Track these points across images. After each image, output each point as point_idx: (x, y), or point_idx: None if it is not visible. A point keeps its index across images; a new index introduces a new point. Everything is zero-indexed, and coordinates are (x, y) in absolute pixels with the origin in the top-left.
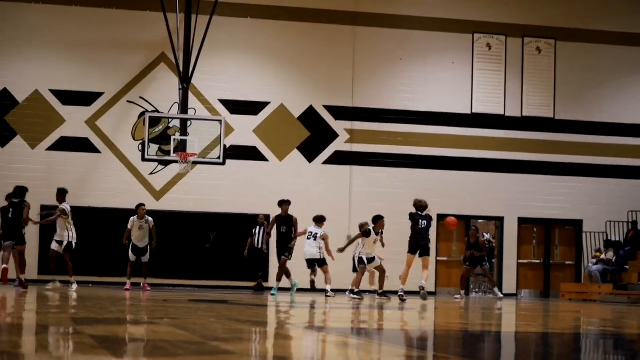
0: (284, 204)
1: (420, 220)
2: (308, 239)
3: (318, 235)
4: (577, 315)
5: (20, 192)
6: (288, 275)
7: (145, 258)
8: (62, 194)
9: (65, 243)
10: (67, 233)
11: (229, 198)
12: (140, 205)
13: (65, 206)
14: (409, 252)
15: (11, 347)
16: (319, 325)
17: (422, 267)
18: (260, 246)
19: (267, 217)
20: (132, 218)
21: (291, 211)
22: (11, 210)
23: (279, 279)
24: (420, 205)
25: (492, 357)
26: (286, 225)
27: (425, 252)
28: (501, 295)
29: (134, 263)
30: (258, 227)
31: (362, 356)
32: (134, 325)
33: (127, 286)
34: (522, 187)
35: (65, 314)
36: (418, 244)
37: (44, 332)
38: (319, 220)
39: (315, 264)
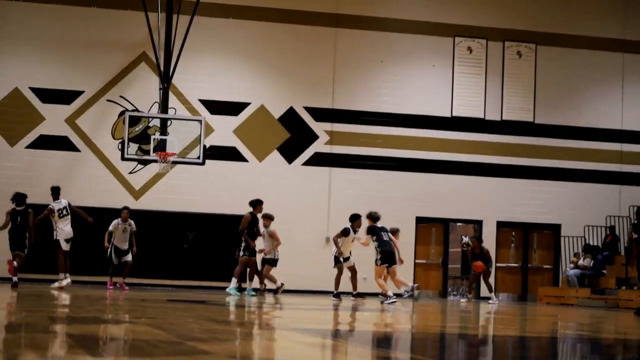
0: (261, 203)
1: (383, 233)
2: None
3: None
4: (554, 319)
5: (21, 199)
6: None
7: (128, 257)
8: (53, 192)
9: (54, 240)
10: (54, 232)
11: (208, 198)
12: (125, 208)
13: (52, 205)
14: (381, 264)
15: None
16: (295, 326)
17: (392, 278)
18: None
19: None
20: (115, 221)
21: (271, 212)
22: (19, 218)
23: (252, 279)
24: (377, 217)
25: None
26: (257, 225)
27: (394, 260)
28: (495, 301)
29: (115, 265)
30: None
31: (335, 356)
32: (111, 325)
33: (110, 285)
34: (501, 191)
35: (42, 313)
36: (388, 255)
37: (20, 331)
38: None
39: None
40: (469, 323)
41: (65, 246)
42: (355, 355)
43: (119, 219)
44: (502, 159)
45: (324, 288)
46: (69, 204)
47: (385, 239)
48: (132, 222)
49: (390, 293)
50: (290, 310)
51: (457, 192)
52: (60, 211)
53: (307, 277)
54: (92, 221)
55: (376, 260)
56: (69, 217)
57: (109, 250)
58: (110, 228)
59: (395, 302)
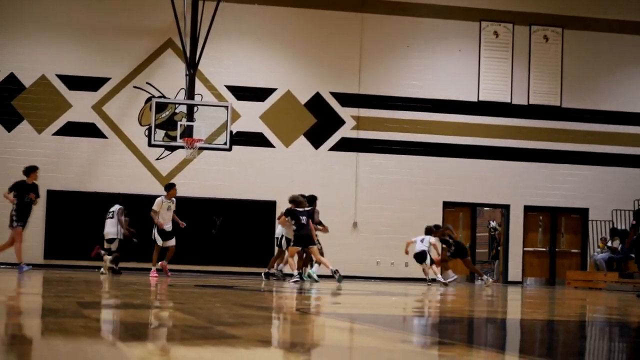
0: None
1: (300, 217)
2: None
3: None
4: (583, 303)
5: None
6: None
7: (172, 242)
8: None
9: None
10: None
11: (235, 184)
12: (172, 185)
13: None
14: (293, 245)
15: (18, 330)
16: (323, 310)
17: (313, 259)
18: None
19: (272, 202)
20: (159, 199)
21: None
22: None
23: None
24: (299, 202)
25: (497, 344)
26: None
27: (309, 243)
28: (486, 280)
29: (161, 248)
30: None
31: (365, 340)
32: (140, 310)
33: (154, 273)
34: (528, 175)
35: (70, 298)
36: (301, 237)
37: (49, 315)
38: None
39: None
40: (498, 307)
41: (105, 244)
42: (381, 338)
43: (163, 197)
44: (529, 143)
45: (352, 272)
46: (117, 210)
47: (302, 222)
48: (174, 200)
49: (296, 272)
50: (319, 295)
51: (484, 176)
52: (109, 213)
53: (335, 262)
54: (127, 235)
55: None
56: (113, 220)
57: (153, 232)
58: (155, 207)
59: (297, 281)
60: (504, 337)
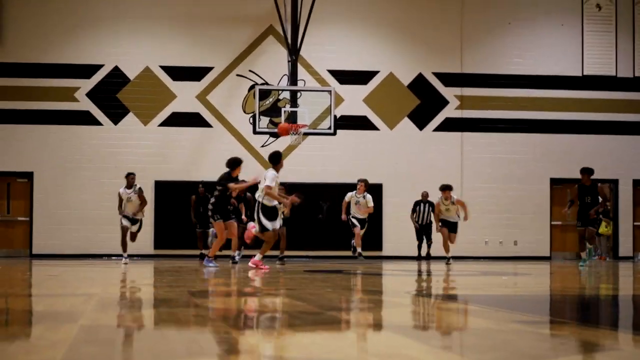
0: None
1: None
2: None
3: None
4: None
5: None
6: None
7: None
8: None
9: None
10: None
11: (341, 168)
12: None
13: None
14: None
15: (132, 321)
16: (433, 292)
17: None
18: (424, 223)
19: (379, 185)
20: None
21: (404, 179)
22: None
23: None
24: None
25: (609, 321)
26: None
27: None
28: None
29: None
30: (422, 204)
31: (477, 322)
32: (251, 297)
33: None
34: (636, 149)
35: (181, 288)
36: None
37: (161, 305)
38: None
39: None
40: (609, 284)
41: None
42: (493, 319)
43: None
44: (636, 117)
45: (461, 253)
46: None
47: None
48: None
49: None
50: (428, 277)
51: (592, 151)
52: None
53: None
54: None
55: None
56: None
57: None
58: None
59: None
60: (617, 314)
